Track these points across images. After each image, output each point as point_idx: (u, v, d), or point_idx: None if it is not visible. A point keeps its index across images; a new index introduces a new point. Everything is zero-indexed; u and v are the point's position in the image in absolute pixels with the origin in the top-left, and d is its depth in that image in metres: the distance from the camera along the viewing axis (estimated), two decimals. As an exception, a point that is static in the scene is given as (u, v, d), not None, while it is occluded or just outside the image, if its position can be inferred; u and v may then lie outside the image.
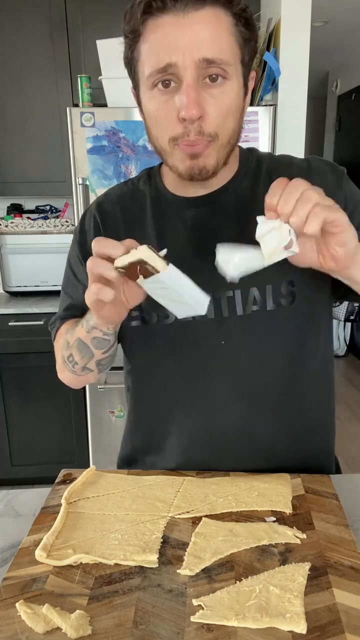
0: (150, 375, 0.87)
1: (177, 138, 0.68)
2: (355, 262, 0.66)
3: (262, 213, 0.75)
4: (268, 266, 0.70)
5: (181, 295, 0.64)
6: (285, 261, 0.74)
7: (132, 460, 0.95)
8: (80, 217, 0.91)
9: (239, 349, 0.79)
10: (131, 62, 0.71)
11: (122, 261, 0.61)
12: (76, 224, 0.91)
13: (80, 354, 0.81)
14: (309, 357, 0.84)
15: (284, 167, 0.81)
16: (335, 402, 0.92)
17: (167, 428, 0.87)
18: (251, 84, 0.74)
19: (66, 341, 0.84)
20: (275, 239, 0.61)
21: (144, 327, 0.82)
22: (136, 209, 0.84)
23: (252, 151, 0.85)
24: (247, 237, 0.74)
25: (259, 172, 0.82)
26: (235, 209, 0.80)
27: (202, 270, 0.68)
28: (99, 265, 0.62)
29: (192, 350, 0.82)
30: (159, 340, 0.83)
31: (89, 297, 0.65)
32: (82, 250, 0.87)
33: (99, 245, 0.63)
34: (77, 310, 0.89)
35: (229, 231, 0.78)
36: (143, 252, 0.60)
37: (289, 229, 0.60)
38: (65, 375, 0.89)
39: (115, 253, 0.62)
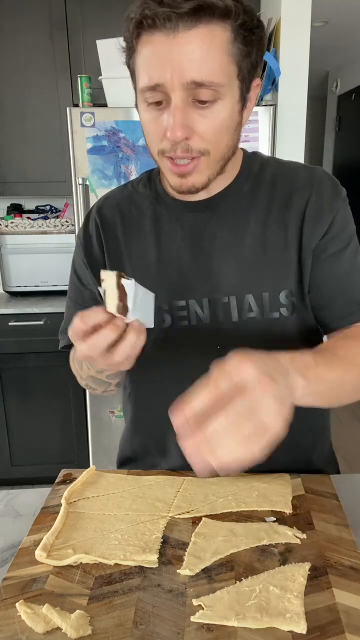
0: (148, 379, 0.87)
1: (164, 151, 0.68)
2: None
3: (261, 217, 0.77)
4: (264, 275, 0.72)
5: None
6: (286, 268, 0.77)
7: (131, 462, 0.95)
8: (83, 220, 0.90)
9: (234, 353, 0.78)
10: (130, 70, 0.71)
11: (111, 302, 0.60)
12: (79, 229, 0.91)
13: (97, 385, 0.84)
14: None
15: (289, 174, 0.80)
16: (329, 415, 0.92)
17: (165, 431, 0.86)
18: (254, 93, 0.71)
19: (77, 373, 0.85)
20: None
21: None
22: (135, 213, 0.84)
23: (256, 155, 0.84)
24: (242, 242, 0.77)
25: (261, 176, 0.80)
26: (234, 214, 0.79)
27: (198, 274, 0.70)
28: (88, 317, 0.60)
29: (189, 354, 0.81)
30: (157, 344, 0.81)
31: (87, 353, 0.62)
32: (87, 255, 0.86)
33: (82, 322, 0.61)
34: None
35: (226, 236, 0.78)
36: (109, 281, 0.60)
37: None
38: (84, 386, 0.90)
39: (97, 316, 0.60)
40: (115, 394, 0.90)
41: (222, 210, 0.79)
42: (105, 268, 0.81)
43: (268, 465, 0.80)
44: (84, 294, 0.88)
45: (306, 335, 0.82)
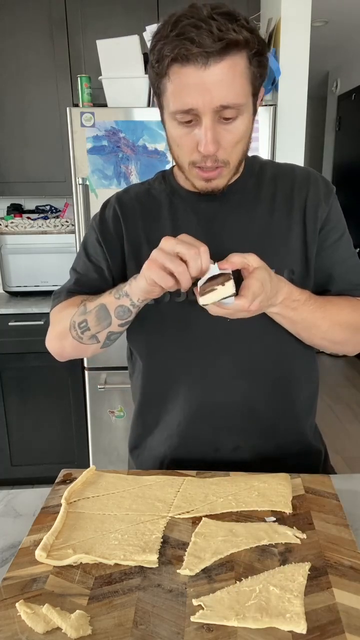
0: (161, 352, 0.93)
1: (195, 162, 0.79)
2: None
3: (266, 208, 0.90)
4: (270, 252, 0.83)
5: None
6: (289, 250, 0.88)
7: (141, 441, 1.00)
8: (99, 210, 0.97)
9: (242, 326, 0.83)
10: (157, 90, 0.79)
11: (208, 299, 0.71)
12: (93, 217, 0.99)
13: (97, 320, 0.86)
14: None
15: (287, 173, 0.92)
16: (318, 380, 1.01)
17: (174, 403, 0.93)
18: (259, 102, 0.82)
19: (84, 307, 0.88)
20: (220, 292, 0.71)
21: (157, 305, 0.88)
22: (153, 203, 0.93)
23: (255, 158, 0.95)
24: (251, 227, 0.89)
25: (262, 174, 0.92)
26: (242, 203, 0.89)
27: (212, 255, 0.76)
28: (179, 268, 0.71)
29: (200, 327, 0.88)
30: (170, 317, 0.89)
31: (151, 276, 0.73)
32: (102, 234, 0.93)
33: (186, 247, 0.71)
34: (86, 287, 0.94)
35: (237, 221, 0.89)
36: (224, 291, 0.70)
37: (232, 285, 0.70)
38: (65, 342, 0.92)
39: (194, 265, 0.71)
40: (94, 350, 0.92)
41: (232, 201, 0.89)
42: (120, 247, 0.92)
43: (268, 442, 0.92)
44: (89, 267, 0.95)
45: None
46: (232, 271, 0.73)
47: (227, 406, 0.90)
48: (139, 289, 0.78)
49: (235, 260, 0.74)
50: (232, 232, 0.88)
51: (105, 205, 0.97)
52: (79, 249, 0.99)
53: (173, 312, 0.89)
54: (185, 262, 0.71)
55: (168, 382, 0.93)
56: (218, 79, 0.72)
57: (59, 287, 1.01)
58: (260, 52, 0.75)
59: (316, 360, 0.99)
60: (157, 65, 0.75)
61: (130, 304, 0.82)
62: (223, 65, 0.71)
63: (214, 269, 0.72)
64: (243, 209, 0.89)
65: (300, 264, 0.89)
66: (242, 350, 0.89)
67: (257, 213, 0.89)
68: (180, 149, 0.81)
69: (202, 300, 0.72)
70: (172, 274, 0.72)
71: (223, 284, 0.70)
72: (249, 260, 0.74)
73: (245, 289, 0.73)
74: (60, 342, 0.94)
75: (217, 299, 0.71)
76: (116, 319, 0.84)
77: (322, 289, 0.92)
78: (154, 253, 0.73)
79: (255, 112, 0.82)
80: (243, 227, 0.88)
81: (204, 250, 0.71)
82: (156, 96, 0.82)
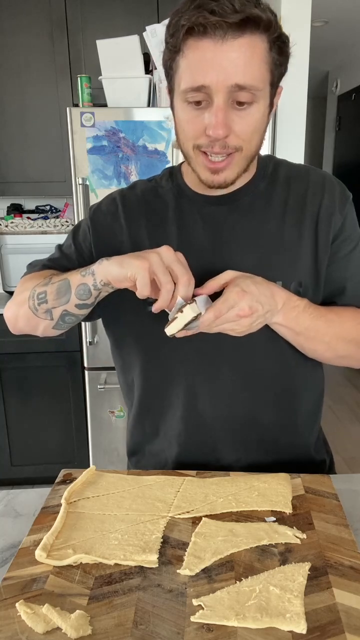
0: (162, 360, 0.89)
1: (201, 146, 0.74)
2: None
3: (278, 215, 0.84)
4: (279, 264, 0.81)
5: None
6: (298, 261, 0.84)
7: (139, 448, 0.98)
8: (103, 199, 0.94)
9: (246, 338, 0.81)
10: (169, 71, 0.75)
11: (173, 329, 0.71)
12: (89, 207, 0.96)
13: (57, 294, 0.81)
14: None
15: (301, 176, 0.87)
16: (323, 392, 0.98)
17: (174, 413, 0.91)
18: (277, 98, 0.78)
19: (49, 279, 0.83)
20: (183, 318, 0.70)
21: (159, 313, 0.84)
22: (159, 203, 0.89)
23: (270, 157, 0.90)
24: (260, 236, 0.83)
25: (275, 176, 0.87)
26: (251, 209, 0.85)
27: (217, 262, 0.76)
28: (168, 285, 0.69)
29: (203, 338, 0.84)
30: None
31: (135, 274, 0.70)
32: (93, 225, 0.90)
33: (183, 270, 0.70)
34: (63, 268, 0.90)
35: (245, 228, 0.84)
36: (183, 318, 0.69)
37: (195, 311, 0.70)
38: (20, 310, 0.87)
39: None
40: (40, 331, 0.89)
41: (241, 204, 0.85)
42: (111, 244, 0.88)
43: (269, 456, 0.88)
44: (72, 252, 0.92)
45: None
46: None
47: (228, 418, 0.88)
48: (109, 272, 0.73)
49: (212, 285, 0.73)
50: (240, 241, 0.84)
51: (105, 199, 0.93)
52: (71, 230, 0.97)
53: None
54: (175, 282, 0.69)
55: (167, 393, 0.90)
56: (235, 56, 0.67)
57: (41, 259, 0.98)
58: (282, 39, 0.71)
59: (321, 371, 0.96)
60: (171, 40, 0.71)
61: (92, 283, 0.77)
62: (241, 43, 0.67)
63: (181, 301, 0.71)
64: (253, 215, 0.85)
65: (310, 277, 0.84)
66: (244, 362, 0.86)
67: (267, 220, 0.84)
68: (185, 133, 0.75)
69: (167, 331, 0.71)
70: (154, 286, 0.70)
71: (181, 311, 0.69)
72: (223, 279, 0.73)
73: (216, 302, 0.71)
74: (16, 310, 0.89)
75: (181, 327, 0.70)
76: (75, 298, 0.79)
77: (329, 302, 0.88)
78: (152, 257, 0.70)
79: (272, 108, 0.77)
80: (252, 236, 0.84)
81: (192, 282, 0.70)
82: (168, 79, 0.77)
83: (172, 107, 0.78)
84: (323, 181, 0.86)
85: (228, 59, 0.67)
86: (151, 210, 0.89)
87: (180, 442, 0.90)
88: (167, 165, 0.94)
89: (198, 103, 0.71)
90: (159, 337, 0.86)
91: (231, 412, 0.88)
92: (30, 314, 0.85)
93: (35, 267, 0.94)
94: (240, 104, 0.70)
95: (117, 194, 0.93)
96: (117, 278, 0.72)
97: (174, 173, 0.91)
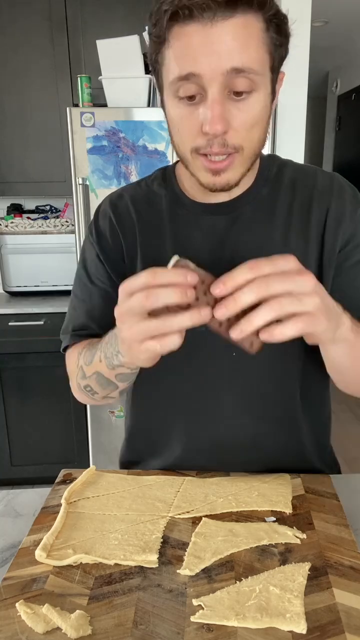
0: (159, 383, 0.85)
1: (199, 149, 0.66)
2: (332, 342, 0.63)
3: (283, 226, 0.75)
4: None
5: None
6: None
7: (133, 464, 0.94)
8: (92, 218, 0.86)
9: (248, 362, 0.77)
10: (155, 66, 0.67)
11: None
12: (87, 227, 0.86)
13: (100, 386, 0.77)
14: (314, 369, 0.83)
15: (308, 179, 0.79)
16: (331, 412, 0.92)
17: (171, 435, 0.87)
18: (279, 86, 0.70)
19: (81, 370, 0.78)
20: None
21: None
22: (152, 213, 0.81)
23: (273, 158, 0.82)
24: (264, 248, 0.73)
25: (279, 179, 0.79)
26: (254, 219, 0.77)
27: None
28: (175, 319, 0.53)
29: (204, 361, 0.80)
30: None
31: (147, 350, 0.56)
32: (101, 250, 0.83)
33: (152, 276, 0.53)
34: (91, 318, 0.84)
35: (247, 241, 0.77)
36: None
37: None
38: (83, 397, 0.85)
39: (169, 275, 0.53)
40: (113, 402, 0.84)
41: (242, 214, 0.77)
42: (124, 263, 0.79)
43: (272, 465, 0.82)
44: (92, 292, 0.84)
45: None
46: None
47: (229, 442, 0.83)
48: (132, 363, 0.65)
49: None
50: (243, 257, 0.72)
51: (98, 215, 0.85)
52: (77, 269, 0.86)
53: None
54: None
55: (164, 414, 0.86)
56: (228, 38, 0.59)
57: (65, 319, 0.89)
58: (279, 16, 0.62)
59: (328, 392, 0.89)
60: (154, 30, 0.63)
61: (130, 370, 0.70)
62: (234, 23, 0.59)
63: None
64: (256, 227, 0.77)
65: None
66: (247, 385, 0.81)
67: (272, 230, 0.77)
68: (180, 135, 0.67)
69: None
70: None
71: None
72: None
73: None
74: (81, 396, 0.86)
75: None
76: (121, 383, 0.74)
77: None
78: (142, 325, 0.54)
79: (273, 97, 0.68)
80: (256, 251, 0.72)
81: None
82: (155, 76, 0.68)
83: (162, 106, 0.71)
84: (331, 184, 0.78)
85: (220, 42, 0.59)
86: (145, 223, 0.81)
87: (177, 462, 0.86)
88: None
89: (191, 98, 0.63)
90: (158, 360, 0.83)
91: (232, 437, 0.83)
92: (93, 401, 0.83)
93: (66, 337, 0.86)
94: (238, 94, 0.62)
95: (107, 208, 0.84)
96: (142, 364, 0.63)
97: (167, 176, 0.83)
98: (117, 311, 0.57)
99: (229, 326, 0.54)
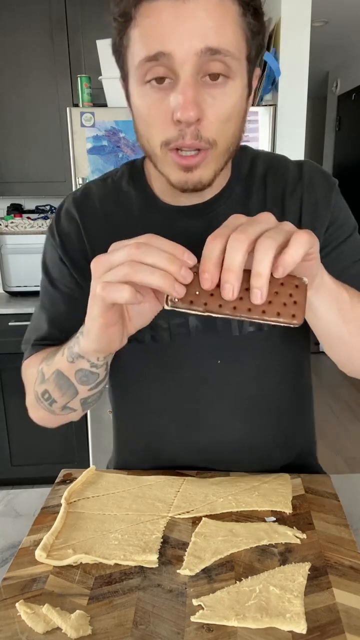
0: (142, 393, 0.83)
1: (170, 142, 0.60)
2: (319, 295, 0.59)
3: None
4: None
5: None
6: None
7: (124, 466, 0.93)
8: (53, 218, 0.80)
9: (234, 369, 0.78)
10: (120, 50, 0.61)
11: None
12: (48, 227, 0.80)
13: (59, 390, 0.70)
14: (300, 374, 0.86)
15: (278, 170, 0.76)
16: (313, 410, 0.94)
17: (161, 442, 0.86)
18: (255, 83, 0.66)
19: (41, 373, 0.73)
20: None
21: (138, 345, 0.76)
22: (122, 215, 0.75)
23: (246, 151, 0.77)
24: None
25: (252, 175, 0.76)
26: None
27: None
28: (140, 270, 0.49)
29: (188, 369, 0.79)
30: (154, 358, 0.78)
31: (99, 298, 0.53)
32: (64, 253, 0.77)
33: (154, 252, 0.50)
34: (56, 327, 0.79)
35: None
36: None
37: None
38: (40, 414, 0.78)
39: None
40: (74, 417, 0.77)
41: (217, 216, 0.71)
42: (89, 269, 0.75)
43: (260, 445, 0.83)
44: (54, 298, 0.80)
45: (298, 345, 0.83)
46: None
47: (219, 444, 0.82)
48: (91, 340, 0.59)
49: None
50: None
51: (59, 215, 0.78)
52: (42, 274, 0.80)
53: (156, 353, 0.77)
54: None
55: (151, 423, 0.84)
56: (202, 15, 0.53)
57: (27, 328, 0.84)
58: (255, 3, 0.58)
59: (311, 383, 0.91)
60: (117, 9, 0.57)
61: (90, 365, 0.65)
62: (208, 1, 0.53)
63: None
64: None
65: None
66: (233, 392, 0.80)
67: None
68: (149, 127, 0.61)
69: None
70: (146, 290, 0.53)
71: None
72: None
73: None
74: (36, 413, 0.79)
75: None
76: (81, 386, 0.68)
77: None
78: (110, 290, 0.51)
79: (250, 90, 0.63)
80: None
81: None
82: (119, 64, 0.62)
83: (127, 98, 0.64)
84: (300, 175, 0.74)
85: (194, 19, 0.53)
86: (113, 227, 0.75)
87: (169, 463, 0.84)
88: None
89: (159, 80, 0.56)
90: (138, 371, 0.79)
91: (222, 440, 0.82)
92: (50, 415, 0.76)
93: (26, 348, 0.82)
94: (213, 77, 0.56)
95: (70, 207, 0.77)
96: (104, 349, 0.60)
97: (135, 172, 0.77)
98: (99, 256, 0.53)
99: (250, 306, 0.51)
